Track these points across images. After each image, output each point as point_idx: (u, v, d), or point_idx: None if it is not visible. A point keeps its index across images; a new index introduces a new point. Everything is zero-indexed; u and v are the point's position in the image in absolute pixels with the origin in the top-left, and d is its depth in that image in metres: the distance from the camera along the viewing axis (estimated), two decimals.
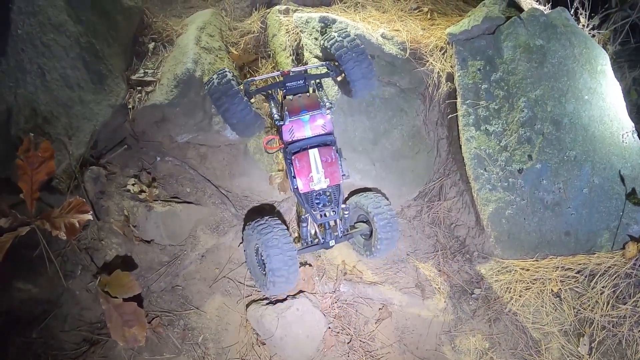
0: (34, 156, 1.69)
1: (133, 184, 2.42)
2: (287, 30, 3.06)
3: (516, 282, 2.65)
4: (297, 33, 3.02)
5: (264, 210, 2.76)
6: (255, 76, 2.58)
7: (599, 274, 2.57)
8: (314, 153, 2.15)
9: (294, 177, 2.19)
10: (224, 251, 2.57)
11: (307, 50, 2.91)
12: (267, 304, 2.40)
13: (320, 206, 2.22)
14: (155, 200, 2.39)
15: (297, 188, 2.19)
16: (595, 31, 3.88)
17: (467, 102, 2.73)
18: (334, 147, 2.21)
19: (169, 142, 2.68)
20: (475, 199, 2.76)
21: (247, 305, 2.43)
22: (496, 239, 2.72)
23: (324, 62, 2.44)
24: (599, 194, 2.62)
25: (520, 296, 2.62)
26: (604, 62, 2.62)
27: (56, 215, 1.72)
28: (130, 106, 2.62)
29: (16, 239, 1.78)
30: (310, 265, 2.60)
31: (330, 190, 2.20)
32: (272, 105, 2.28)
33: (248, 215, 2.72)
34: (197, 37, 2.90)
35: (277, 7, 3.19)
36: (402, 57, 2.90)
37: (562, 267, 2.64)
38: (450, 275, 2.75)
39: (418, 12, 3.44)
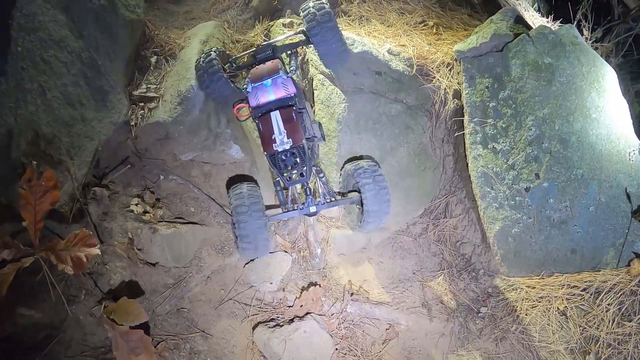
0: (37, 185, 1.63)
1: (136, 204, 2.37)
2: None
3: (522, 300, 2.65)
4: (302, 47, 2.98)
5: None
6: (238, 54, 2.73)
7: (604, 292, 2.57)
8: (275, 115, 2.18)
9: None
10: (230, 272, 2.54)
11: (312, 65, 2.87)
12: (274, 326, 2.37)
13: (287, 169, 2.19)
14: (159, 222, 2.34)
15: (265, 152, 2.20)
16: (599, 44, 3.89)
17: (475, 120, 2.71)
18: (294, 107, 2.20)
19: (172, 160, 2.63)
20: (481, 217, 2.75)
21: (254, 327, 2.40)
22: (502, 257, 2.71)
23: (295, 32, 2.56)
24: (605, 212, 2.62)
25: (526, 314, 2.62)
26: (612, 80, 2.61)
27: (62, 248, 1.67)
28: (132, 123, 2.56)
29: (20, 270, 1.73)
30: (319, 285, 2.57)
31: (295, 150, 2.17)
32: (241, 81, 2.37)
33: None
34: (200, 51, 2.84)
35: (281, 20, 3.14)
36: (408, 73, 2.87)
37: (567, 284, 2.64)
38: (456, 294, 2.73)
39: (423, 26, 3.41)
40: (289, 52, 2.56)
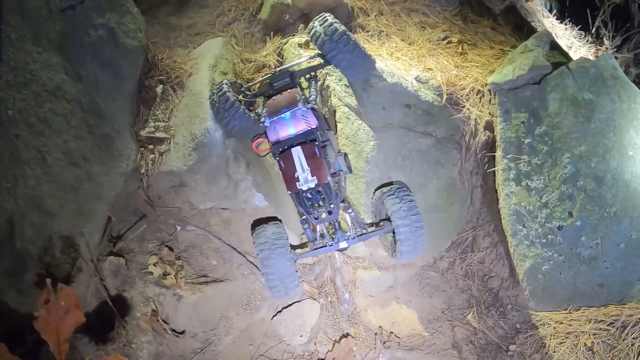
0: (56, 305, 1.40)
1: (155, 264, 2.15)
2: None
3: (550, 336, 2.65)
4: (322, 71, 2.73)
5: None
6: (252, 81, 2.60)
7: (630, 325, 2.60)
8: (297, 151, 2.03)
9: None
10: (258, 327, 2.40)
11: (334, 95, 2.63)
12: None
13: (314, 207, 2.07)
14: (182, 286, 2.14)
15: (288, 191, 2.07)
16: (618, 53, 3.79)
17: (509, 156, 2.58)
18: (317, 142, 2.06)
19: (189, 208, 2.40)
20: (511, 253, 2.68)
21: None
22: (531, 292, 2.68)
23: (311, 56, 2.44)
24: (635, 248, 2.60)
25: (554, 351, 2.62)
26: None
27: None
28: (143, 171, 2.29)
29: None
30: (350, 336, 2.47)
31: (321, 188, 2.04)
32: (259, 109, 2.25)
33: None
34: (211, 79, 2.54)
35: (296, 39, 2.85)
36: (438, 104, 2.69)
37: (594, 319, 2.65)
38: (485, 332, 2.71)
39: (447, 43, 3.18)
40: (307, 76, 2.40)
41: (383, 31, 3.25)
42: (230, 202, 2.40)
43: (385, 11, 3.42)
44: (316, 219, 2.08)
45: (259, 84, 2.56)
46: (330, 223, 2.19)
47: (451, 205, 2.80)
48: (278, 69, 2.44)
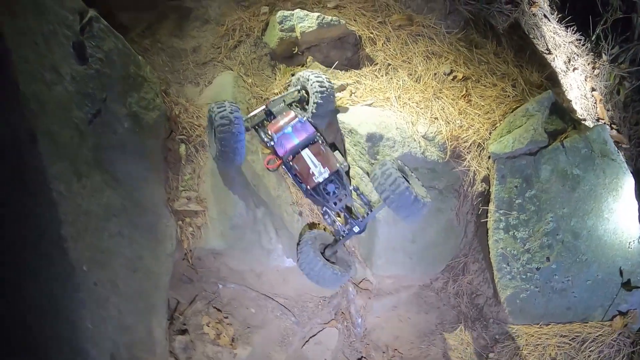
0: None
1: (208, 324, 2.70)
2: None
3: (523, 347, 3.30)
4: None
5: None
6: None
7: (589, 341, 3.23)
8: (306, 152, 2.54)
9: (300, 182, 2.60)
10: (293, 359, 3.01)
11: (350, 155, 2.94)
12: None
13: (332, 195, 2.57)
14: (236, 345, 2.70)
15: (307, 188, 2.57)
16: (615, 67, 3.89)
17: (501, 211, 2.97)
18: (319, 142, 2.59)
19: (226, 269, 2.86)
20: (496, 283, 3.22)
21: None
22: (510, 312, 3.27)
23: (298, 88, 2.88)
24: (600, 284, 3.12)
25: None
26: (629, 188, 2.85)
27: None
28: (185, 246, 2.69)
29: None
30: (364, 358, 3.12)
31: (333, 177, 2.56)
32: (261, 133, 2.70)
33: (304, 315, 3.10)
34: None
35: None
36: (442, 160, 2.99)
37: (560, 334, 3.27)
38: (470, 343, 3.36)
39: (452, 79, 3.34)
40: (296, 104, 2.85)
41: (390, 64, 3.39)
42: (262, 266, 2.85)
43: (392, 38, 3.50)
44: (335, 204, 2.55)
45: (256, 115, 2.81)
46: (338, 214, 2.67)
47: (448, 240, 3.26)
48: (272, 99, 2.85)
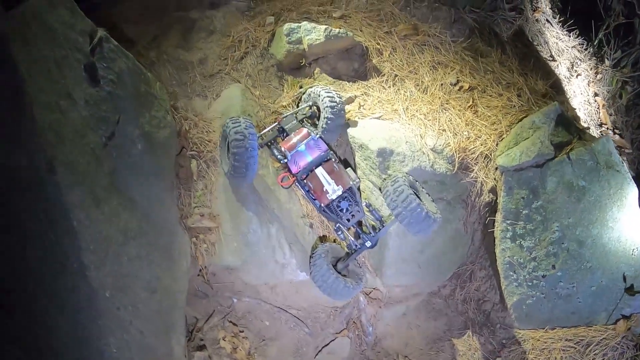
0: None
1: (224, 339, 2.75)
2: None
3: (529, 351, 3.39)
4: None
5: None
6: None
7: (593, 344, 3.32)
8: (320, 170, 2.61)
9: (314, 198, 2.66)
10: None
11: (360, 169, 2.98)
12: None
13: (345, 211, 2.64)
14: (249, 355, 2.77)
15: (320, 205, 2.64)
16: (618, 71, 3.94)
17: (508, 221, 3.03)
18: (332, 160, 2.67)
19: (241, 283, 2.90)
20: (503, 290, 3.29)
21: None
22: (516, 317, 3.35)
23: (310, 104, 2.91)
24: (604, 290, 3.20)
25: None
26: (633, 198, 2.92)
27: None
28: (200, 263, 2.73)
29: None
30: None
31: (346, 194, 2.63)
32: (274, 150, 2.76)
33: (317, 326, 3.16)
34: None
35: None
36: (450, 172, 3.04)
37: (565, 338, 3.36)
38: (478, 348, 3.44)
39: (458, 89, 3.36)
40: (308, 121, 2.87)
41: (397, 75, 3.41)
42: (276, 280, 2.90)
43: (398, 48, 3.51)
44: (348, 220, 2.61)
45: (269, 132, 2.86)
46: (349, 229, 2.70)
47: (455, 248, 3.32)
48: (283, 116, 2.87)
